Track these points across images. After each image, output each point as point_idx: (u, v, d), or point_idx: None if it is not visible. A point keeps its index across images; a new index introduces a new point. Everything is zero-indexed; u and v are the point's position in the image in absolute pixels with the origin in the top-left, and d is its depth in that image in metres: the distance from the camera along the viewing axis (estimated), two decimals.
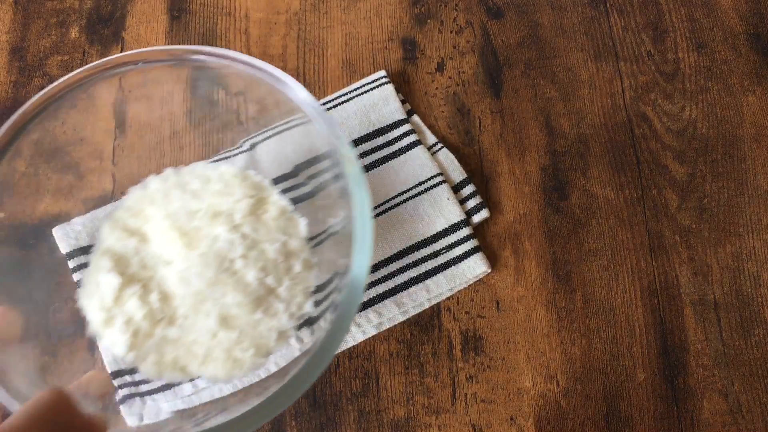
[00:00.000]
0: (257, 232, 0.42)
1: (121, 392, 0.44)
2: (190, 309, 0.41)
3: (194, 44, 0.52)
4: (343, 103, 0.51)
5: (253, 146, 0.48)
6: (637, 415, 0.45)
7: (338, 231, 0.42)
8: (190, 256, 0.42)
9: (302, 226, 0.44)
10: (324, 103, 0.52)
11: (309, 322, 0.43)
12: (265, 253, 0.42)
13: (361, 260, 0.35)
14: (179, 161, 0.51)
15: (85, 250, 0.46)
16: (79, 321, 0.47)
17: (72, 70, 0.54)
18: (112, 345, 0.41)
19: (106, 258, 0.42)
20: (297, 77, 0.51)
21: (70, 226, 0.47)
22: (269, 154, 0.48)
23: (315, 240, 0.45)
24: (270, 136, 0.48)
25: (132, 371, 0.45)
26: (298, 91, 0.39)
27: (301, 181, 0.46)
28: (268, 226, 0.43)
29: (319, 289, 0.43)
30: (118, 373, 0.45)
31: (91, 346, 0.47)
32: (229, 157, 0.48)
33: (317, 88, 0.52)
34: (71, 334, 0.47)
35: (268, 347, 0.42)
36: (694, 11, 0.56)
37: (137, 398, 0.44)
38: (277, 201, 0.44)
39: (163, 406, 0.44)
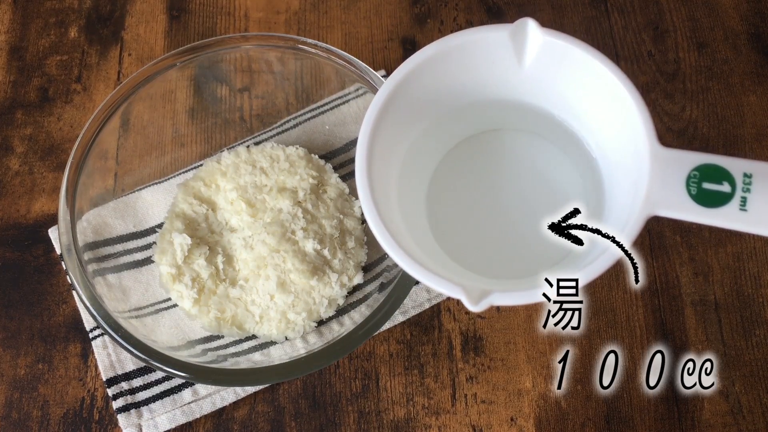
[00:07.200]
0: (317, 209, 0.47)
1: (118, 402, 0.44)
2: (251, 272, 0.45)
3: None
4: (342, 104, 0.51)
5: (296, 125, 0.51)
6: (638, 415, 0.45)
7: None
8: (255, 225, 0.46)
9: (357, 207, 0.48)
10: (323, 105, 0.51)
11: (342, 311, 0.46)
12: (323, 228, 0.46)
13: None
14: (181, 159, 0.51)
15: (80, 251, 0.45)
16: (72, 325, 0.47)
17: (71, 70, 0.54)
18: (179, 298, 0.45)
19: (179, 221, 0.47)
20: (296, 78, 0.51)
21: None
22: (320, 131, 0.51)
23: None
24: (317, 114, 0.51)
25: (128, 378, 0.45)
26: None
27: (353, 157, 0.50)
28: (327, 205, 0.48)
29: (368, 267, 0.47)
30: (113, 380, 0.45)
31: (84, 352, 0.46)
32: (276, 134, 0.51)
33: (315, 91, 0.52)
34: (64, 338, 0.47)
35: (318, 312, 0.45)
36: (695, 11, 0.56)
37: (133, 410, 0.44)
38: (336, 183, 0.49)
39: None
